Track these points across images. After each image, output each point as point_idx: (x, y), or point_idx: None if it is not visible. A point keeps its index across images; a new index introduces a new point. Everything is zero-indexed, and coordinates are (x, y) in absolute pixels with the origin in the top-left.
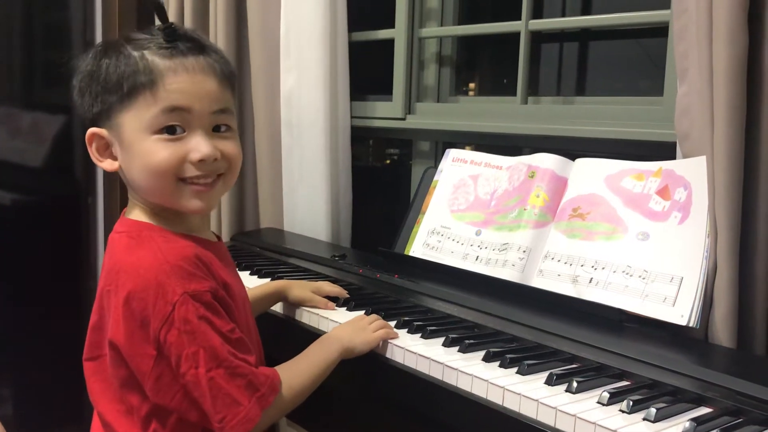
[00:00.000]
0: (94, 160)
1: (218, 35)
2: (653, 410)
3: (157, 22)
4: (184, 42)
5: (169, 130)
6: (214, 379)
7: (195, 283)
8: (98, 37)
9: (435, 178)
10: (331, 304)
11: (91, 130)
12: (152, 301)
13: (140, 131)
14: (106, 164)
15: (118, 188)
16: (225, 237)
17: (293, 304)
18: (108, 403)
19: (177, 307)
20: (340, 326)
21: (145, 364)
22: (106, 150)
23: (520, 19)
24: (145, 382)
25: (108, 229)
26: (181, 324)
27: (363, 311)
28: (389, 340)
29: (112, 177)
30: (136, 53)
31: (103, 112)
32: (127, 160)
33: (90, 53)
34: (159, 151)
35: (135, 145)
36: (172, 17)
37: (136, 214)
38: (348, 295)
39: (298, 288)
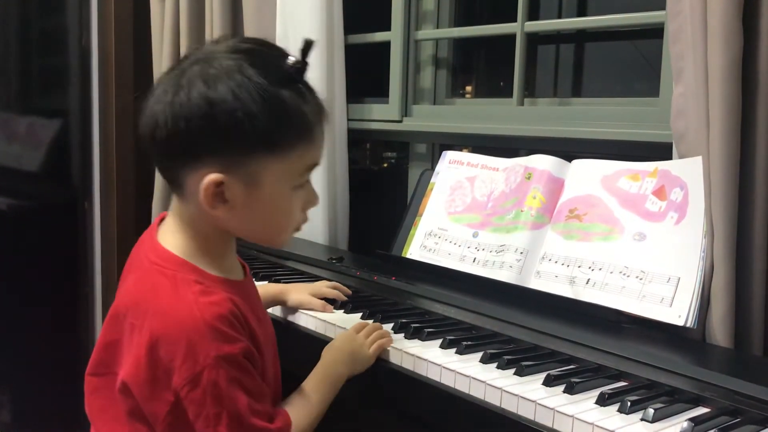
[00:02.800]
0: (206, 206)
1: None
2: (651, 410)
3: (283, 53)
4: (306, 85)
5: (303, 184)
6: None
7: (228, 346)
8: (94, 43)
9: (432, 180)
10: (328, 306)
11: (218, 177)
12: (180, 358)
13: (282, 183)
14: (220, 212)
15: (115, 193)
16: None
17: (292, 308)
18: (108, 422)
19: (207, 371)
20: (339, 351)
21: (160, 408)
22: (220, 196)
23: (515, 20)
24: (156, 425)
25: (105, 234)
26: (209, 387)
27: (360, 314)
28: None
29: (108, 181)
30: (292, 103)
31: (235, 158)
32: (252, 207)
33: (210, 84)
34: (295, 207)
35: (273, 197)
36: (168, 21)
37: (174, 244)
38: (345, 297)
39: (296, 292)
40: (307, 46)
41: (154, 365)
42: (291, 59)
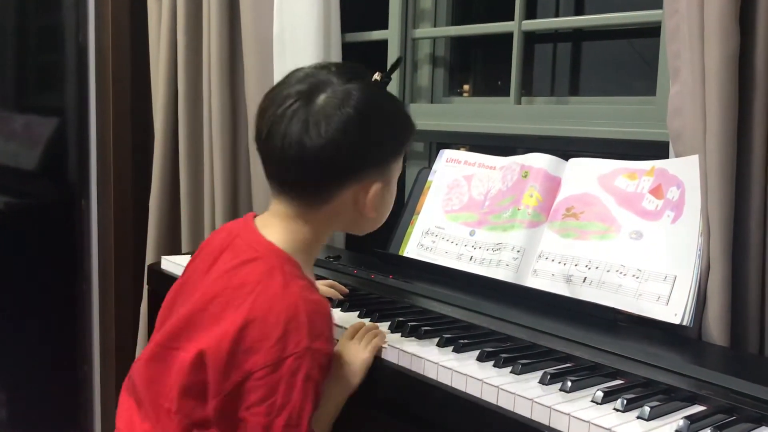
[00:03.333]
0: (368, 211)
1: (211, 36)
2: (647, 409)
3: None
4: None
5: None
6: None
7: (320, 342)
8: (91, 40)
9: (429, 178)
10: None
11: (379, 185)
12: (272, 340)
13: (396, 176)
14: (372, 213)
15: (112, 192)
16: None
17: None
18: (154, 395)
19: (293, 359)
20: (347, 365)
21: (225, 386)
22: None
23: (513, 19)
24: (211, 398)
25: (102, 232)
26: (287, 374)
27: (357, 312)
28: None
29: (105, 180)
30: (400, 107)
31: (384, 166)
32: (382, 203)
33: (362, 97)
34: (395, 192)
35: (392, 191)
36: (165, 19)
37: (277, 236)
38: (342, 296)
39: None
40: (397, 63)
41: (239, 342)
42: (377, 75)
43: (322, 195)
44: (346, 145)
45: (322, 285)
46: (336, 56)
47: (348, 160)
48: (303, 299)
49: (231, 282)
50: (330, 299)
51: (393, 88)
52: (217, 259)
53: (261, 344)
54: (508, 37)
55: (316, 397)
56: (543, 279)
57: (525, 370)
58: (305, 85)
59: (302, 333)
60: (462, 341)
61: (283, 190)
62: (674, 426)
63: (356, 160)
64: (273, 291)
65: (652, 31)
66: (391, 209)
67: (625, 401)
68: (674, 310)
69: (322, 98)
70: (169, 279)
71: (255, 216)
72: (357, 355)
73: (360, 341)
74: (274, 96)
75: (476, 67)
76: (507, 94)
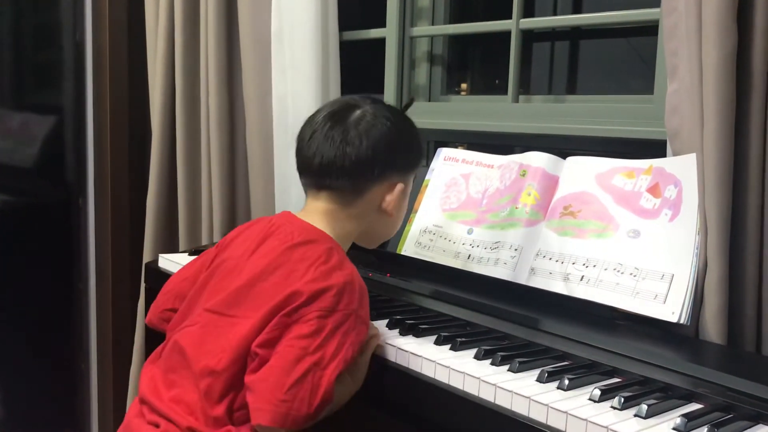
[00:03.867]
0: (391, 209)
1: (209, 35)
2: (644, 406)
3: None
4: None
5: None
6: (312, 371)
7: (364, 312)
8: (88, 39)
9: (426, 177)
10: None
11: (402, 186)
12: (330, 294)
13: (410, 188)
14: (393, 213)
15: (109, 190)
16: (216, 237)
17: None
18: (204, 354)
19: (343, 314)
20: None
21: (281, 326)
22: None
23: (511, 17)
24: (261, 331)
25: (99, 230)
26: (333, 324)
27: None
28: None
29: (102, 178)
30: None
31: (407, 168)
32: (399, 208)
33: (393, 116)
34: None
35: (407, 199)
36: (162, 17)
37: (323, 226)
38: None
39: None
40: (410, 103)
41: (305, 297)
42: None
43: (358, 191)
44: (381, 150)
45: None
46: (334, 55)
47: (382, 163)
48: (358, 275)
49: (291, 257)
50: None
51: (390, 85)
52: (261, 244)
53: (323, 295)
54: (506, 35)
55: (347, 356)
56: (541, 277)
57: (522, 368)
58: (336, 106)
59: (354, 297)
60: (460, 339)
61: (322, 190)
62: (671, 424)
63: (387, 164)
64: (333, 263)
65: (650, 29)
66: (404, 219)
67: (622, 399)
68: (671, 308)
69: (357, 113)
70: (167, 277)
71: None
72: (355, 362)
73: None
74: (310, 120)
75: (474, 66)
76: (505, 92)
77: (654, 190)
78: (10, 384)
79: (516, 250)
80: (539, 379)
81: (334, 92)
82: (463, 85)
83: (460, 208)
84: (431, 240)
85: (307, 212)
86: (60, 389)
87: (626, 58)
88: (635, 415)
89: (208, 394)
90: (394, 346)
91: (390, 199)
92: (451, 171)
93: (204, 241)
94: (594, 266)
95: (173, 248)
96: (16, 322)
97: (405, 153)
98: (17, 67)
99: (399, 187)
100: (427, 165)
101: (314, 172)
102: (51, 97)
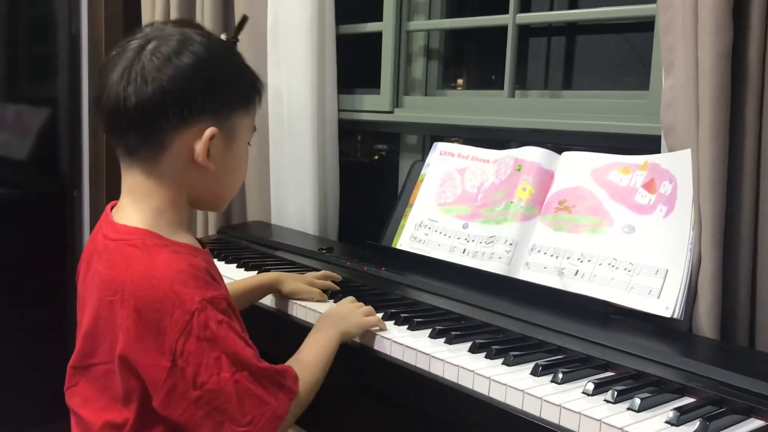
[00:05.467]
0: (202, 160)
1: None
2: (637, 400)
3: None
4: None
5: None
6: (240, 381)
7: (211, 291)
8: (84, 31)
9: (422, 171)
10: (324, 295)
11: (213, 129)
12: (169, 311)
13: (245, 139)
14: (207, 167)
15: (104, 182)
16: (212, 230)
17: (287, 297)
18: (96, 411)
19: (196, 315)
20: (331, 314)
21: (158, 374)
22: (208, 152)
23: (507, 12)
24: (155, 394)
25: (94, 223)
26: (200, 331)
27: None
28: (377, 333)
29: (98, 170)
30: (247, 64)
31: (222, 110)
32: (226, 163)
33: (197, 42)
34: (246, 160)
35: (241, 153)
36: (158, 11)
37: (132, 219)
38: (337, 286)
39: (292, 281)
40: (243, 21)
41: (145, 327)
42: (223, 35)
43: (157, 143)
44: (174, 89)
45: (313, 277)
46: (330, 48)
47: (177, 103)
48: (174, 260)
49: (103, 280)
50: (324, 291)
51: (387, 79)
52: (89, 266)
53: (162, 321)
54: (502, 30)
55: (240, 335)
56: (535, 272)
57: (517, 361)
58: (127, 39)
59: (190, 289)
60: (454, 333)
61: (125, 156)
62: (664, 417)
63: (185, 104)
64: (142, 268)
65: (646, 25)
66: (244, 174)
67: (615, 393)
68: (665, 303)
69: (151, 46)
70: None
71: (113, 204)
72: (353, 313)
73: (359, 308)
74: (111, 57)
75: (470, 60)
76: (501, 87)
77: (649, 186)
78: (1, 378)
79: (511, 244)
80: (533, 373)
81: (330, 86)
82: (460, 80)
83: (455, 203)
84: (426, 234)
85: (121, 198)
86: (53, 385)
87: (622, 53)
88: (628, 409)
89: None
90: (389, 339)
91: (200, 147)
92: (446, 165)
93: (199, 234)
94: (588, 261)
95: None
96: (8, 315)
97: (211, 89)
98: (12, 58)
99: (210, 131)
100: (423, 159)
101: (111, 130)
102: (46, 90)
